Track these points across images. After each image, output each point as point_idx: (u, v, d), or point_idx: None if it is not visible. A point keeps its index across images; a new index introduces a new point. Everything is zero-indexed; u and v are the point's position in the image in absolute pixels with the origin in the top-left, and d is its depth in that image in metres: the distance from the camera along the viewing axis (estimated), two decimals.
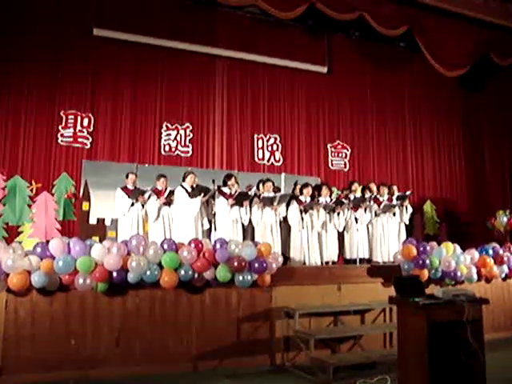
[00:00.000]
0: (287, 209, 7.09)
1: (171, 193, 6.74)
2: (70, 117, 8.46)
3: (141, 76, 9.05)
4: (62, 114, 8.43)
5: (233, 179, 6.86)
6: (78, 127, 8.46)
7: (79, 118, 8.51)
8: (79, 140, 8.47)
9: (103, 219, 8.02)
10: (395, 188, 8.09)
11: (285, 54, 10.07)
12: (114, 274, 4.89)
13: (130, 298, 5.08)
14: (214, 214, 6.73)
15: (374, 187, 7.97)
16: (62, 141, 8.37)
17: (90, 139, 8.53)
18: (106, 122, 8.71)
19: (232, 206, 6.72)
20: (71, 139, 8.42)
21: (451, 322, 3.59)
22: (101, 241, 5.97)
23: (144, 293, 5.14)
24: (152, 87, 9.14)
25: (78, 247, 4.89)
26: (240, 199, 6.73)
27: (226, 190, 6.82)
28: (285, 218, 7.12)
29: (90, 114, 8.60)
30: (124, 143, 8.78)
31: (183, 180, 6.80)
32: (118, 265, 4.87)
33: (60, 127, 8.38)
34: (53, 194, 8.10)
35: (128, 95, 8.92)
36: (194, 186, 6.76)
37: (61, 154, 8.33)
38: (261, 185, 7.23)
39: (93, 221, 8.02)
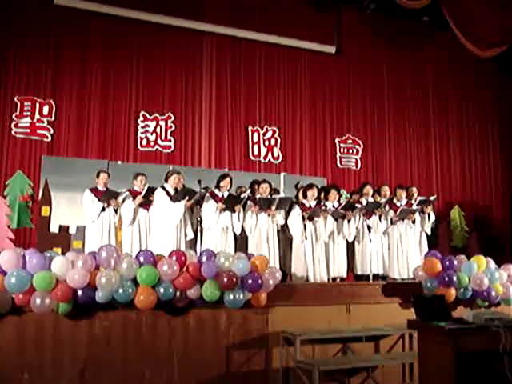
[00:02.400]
0: (288, 215, 7.08)
1: (150, 190, 6.70)
2: (26, 103, 8.42)
3: (113, 56, 9.04)
4: (16, 99, 8.39)
5: (227, 180, 6.85)
6: (37, 116, 8.43)
7: (38, 104, 8.47)
8: (38, 131, 8.43)
9: (67, 227, 7.98)
10: (415, 190, 8.05)
11: (285, 30, 10.10)
12: (79, 293, 4.84)
13: (98, 321, 5.03)
14: (200, 221, 6.71)
15: (387, 191, 7.93)
16: (16, 132, 8.33)
17: (51, 130, 8.50)
18: (71, 109, 8.69)
19: (222, 211, 6.71)
20: (28, 130, 8.38)
21: (484, 352, 3.58)
22: (63, 253, 5.91)
23: (115, 315, 5.09)
24: (126, 69, 9.13)
25: (35, 260, 4.83)
26: (231, 203, 6.71)
27: (218, 192, 6.81)
28: (283, 227, 7.11)
29: (51, 101, 8.57)
30: (93, 136, 8.76)
31: (165, 180, 6.77)
32: (84, 281, 4.83)
33: (14, 116, 8.34)
34: (5, 197, 8.04)
35: (97, 78, 8.91)
36: (179, 187, 6.73)
37: (15, 149, 8.28)
38: (255, 186, 7.21)
39: (54, 229, 7.98)
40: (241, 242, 6.95)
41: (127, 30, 9.13)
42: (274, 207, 6.84)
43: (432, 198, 7.95)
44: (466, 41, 9.46)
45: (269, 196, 6.98)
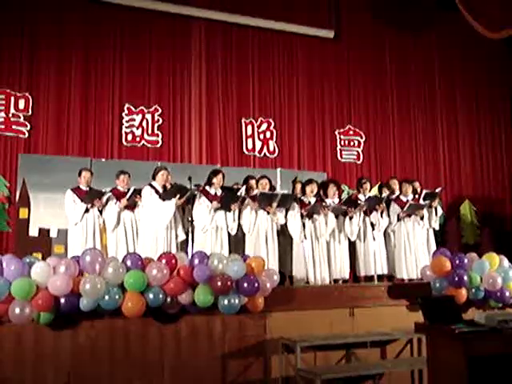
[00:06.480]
0: (286, 213, 7.08)
1: (135, 192, 6.70)
2: None
3: (94, 44, 9.00)
4: None
5: (220, 176, 6.85)
6: (12, 110, 8.39)
7: (13, 98, 8.43)
8: (13, 127, 8.39)
9: (47, 230, 7.96)
10: (417, 185, 8.13)
11: (279, 14, 10.07)
12: (62, 301, 4.84)
13: (83, 331, 5.04)
14: (192, 221, 6.71)
15: (396, 185, 7.99)
16: None
17: (28, 126, 8.46)
18: (49, 103, 8.64)
19: (216, 210, 6.71)
20: (2, 126, 8.34)
21: (498, 356, 3.59)
22: (44, 258, 5.91)
23: (101, 324, 5.10)
24: (109, 58, 9.10)
25: (13, 266, 4.82)
26: (227, 201, 6.71)
27: (210, 189, 6.81)
28: (283, 226, 7.12)
29: (28, 94, 8.53)
30: (73, 131, 8.73)
31: (153, 178, 6.77)
32: (67, 288, 4.83)
33: None
34: None
35: (78, 69, 8.87)
36: (168, 185, 6.73)
37: None
38: (250, 182, 7.20)
39: (33, 232, 7.96)
40: (236, 242, 6.95)
41: (109, 16, 9.09)
42: (275, 204, 6.83)
43: (438, 190, 8.00)
44: (474, 21, 9.39)
45: (269, 192, 6.98)
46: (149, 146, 9.16)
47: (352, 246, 7.53)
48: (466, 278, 6.19)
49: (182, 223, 6.82)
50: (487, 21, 9.25)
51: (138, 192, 6.71)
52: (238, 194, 6.84)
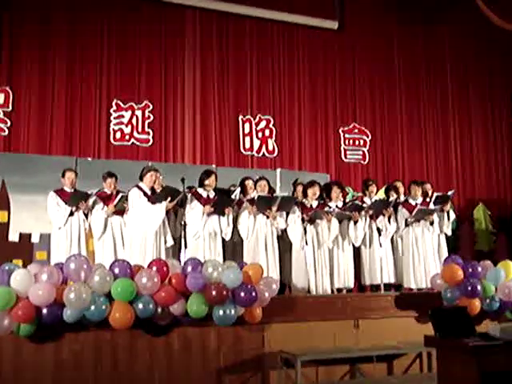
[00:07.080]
0: (286, 218, 7.08)
1: (123, 199, 6.70)
2: None
3: (79, 34, 9.03)
4: None
5: (212, 177, 6.85)
6: None
7: None
8: None
9: (29, 235, 7.96)
10: (429, 187, 8.12)
11: (279, 3, 10.10)
12: (44, 311, 4.83)
13: (66, 343, 5.03)
14: (184, 226, 6.70)
15: (401, 189, 8.00)
16: None
17: (9, 123, 8.47)
18: (31, 98, 8.66)
19: (209, 214, 6.71)
20: None
21: None
22: (25, 265, 5.89)
23: (87, 336, 5.09)
24: (96, 50, 9.11)
25: None
26: (220, 204, 6.71)
27: (202, 192, 6.81)
28: (283, 231, 7.12)
29: (8, 88, 8.55)
30: (58, 129, 8.75)
31: (141, 179, 6.76)
32: (50, 298, 4.82)
33: None
34: None
35: (62, 60, 8.88)
36: (157, 187, 6.73)
37: None
38: (247, 184, 7.21)
39: (14, 237, 7.96)
40: (232, 248, 6.95)
41: (96, 3, 9.10)
42: (274, 208, 6.83)
43: (450, 193, 7.99)
44: (488, 11, 9.37)
45: (269, 194, 6.98)
46: (139, 144, 9.18)
47: (357, 253, 7.53)
48: (479, 287, 6.18)
49: (174, 228, 6.82)
50: (502, 10, 9.22)
51: (126, 197, 6.71)
52: (233, 196, 6.83)
